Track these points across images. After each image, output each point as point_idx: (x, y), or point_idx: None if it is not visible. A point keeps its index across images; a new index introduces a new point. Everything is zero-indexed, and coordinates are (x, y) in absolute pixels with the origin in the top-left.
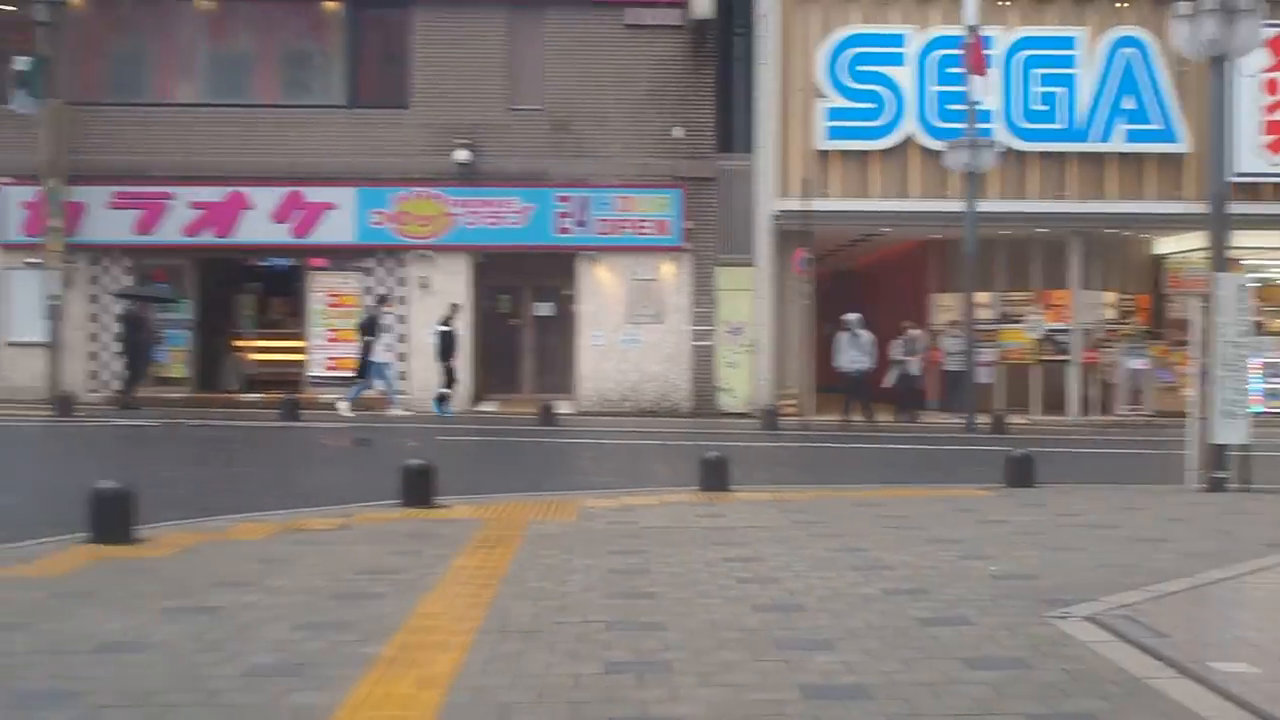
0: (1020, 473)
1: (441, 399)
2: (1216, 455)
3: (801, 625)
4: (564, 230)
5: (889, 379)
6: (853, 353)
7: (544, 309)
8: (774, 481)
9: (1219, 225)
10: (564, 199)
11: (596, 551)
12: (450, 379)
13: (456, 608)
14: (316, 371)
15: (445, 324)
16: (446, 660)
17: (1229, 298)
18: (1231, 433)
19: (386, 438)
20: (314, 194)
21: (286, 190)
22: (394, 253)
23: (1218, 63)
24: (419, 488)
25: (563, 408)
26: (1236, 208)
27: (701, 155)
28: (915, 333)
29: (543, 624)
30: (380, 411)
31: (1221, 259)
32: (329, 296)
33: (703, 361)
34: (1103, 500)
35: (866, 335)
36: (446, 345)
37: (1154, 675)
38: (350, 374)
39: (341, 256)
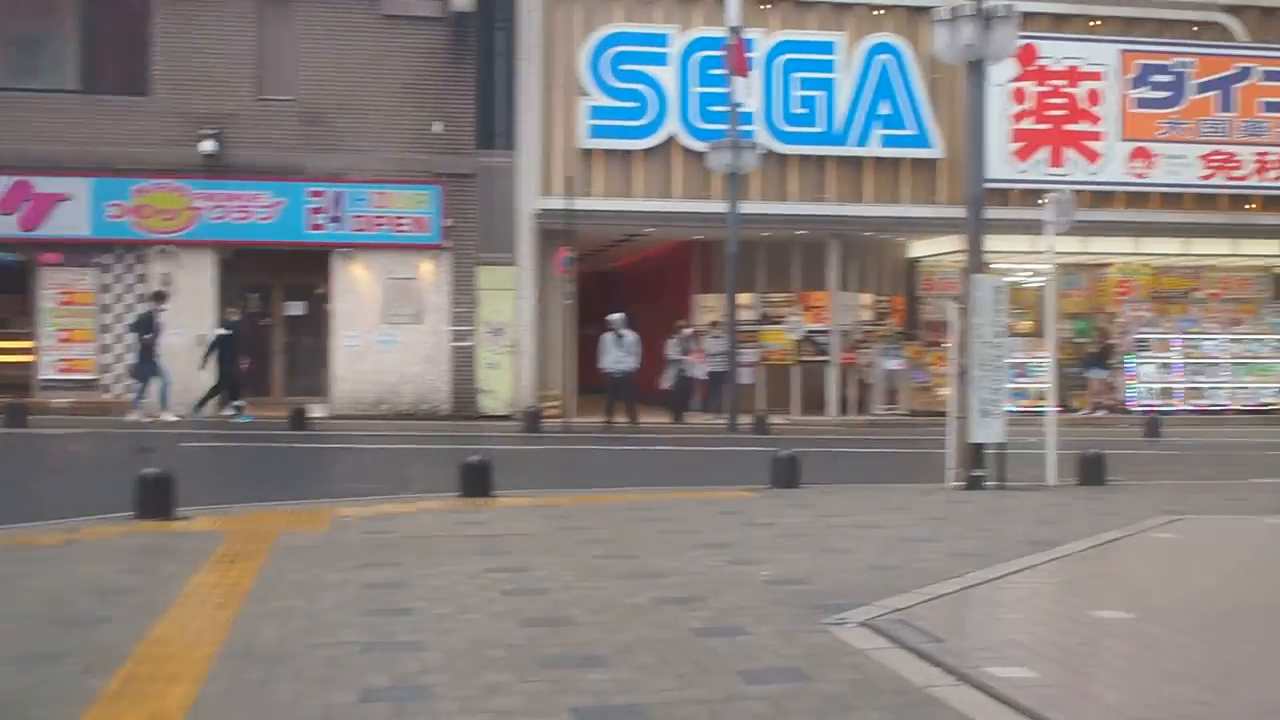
0: (786, 474)
1: (239, 407)
2: (975, 454)
3: (572, 640)
4: (317, 226)
5: (667, 379)
6: (616, 353)
7: (295, 308)
8: (539, 486)
9: (976, 228)
10: (317, 194)
11: (351, 564)
12: (234, 383)
13: (193, 631)
14: (48, 374)
15: (226, 326)
16: (180, 692)
17: (986, 299)
18: (988, 431)
19: (122, 444)
20: (44, 184)
21: (13, 180)
22: (134, 248)
23: (975, 67)
24: (156, 498)
25: (316, 411)
26: (988, 212)
27: (462, 151)
28: (689, 331)
29: (290, 647)
30: (120, 415)
31: (979, 261)
32: (61, 294)
33: (463, 363)
34: (867, 500)
35: (630, 335)
36: (227, 348)
37: (934, 683)
38: (86, 376)
39: (76, 251)
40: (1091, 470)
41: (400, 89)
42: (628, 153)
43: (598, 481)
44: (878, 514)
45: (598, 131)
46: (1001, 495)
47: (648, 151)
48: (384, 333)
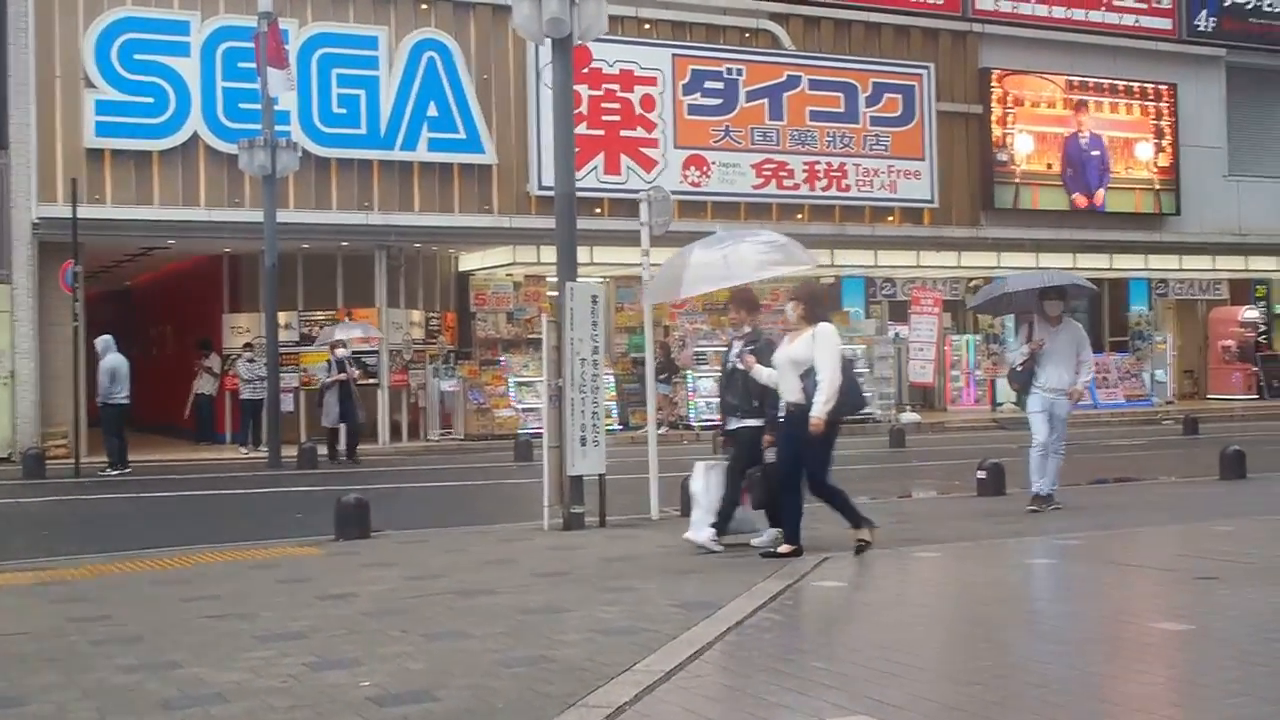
0: (354, 521)
1: None
2: (574, 488)
3: None
4: None
5: (327, 415)
6: (102, 381)
7: None
8: (43, 553)
9: (568, 230)
10: None
11: None
12: None
13: None
14: None
15: None
16: None
17: (583, 311)
18: (589, 462)
19: None
20: None
21: None
22: None
23: (561, 46)
24: None
25: None
26: (541, 222)
27: None
28: (343, 351)
29: None
30: None
31: (572, 267)
32: None
33: None
34: (458, 551)
35: (113, 360)
36: None
37: None
38: None
39: None
40: None
41: None
42: (144, 154)
43: (121, 543)
44: (480, 571)
45: (107, 129)
46: (610, 537)
47: (168, 153)
48: None
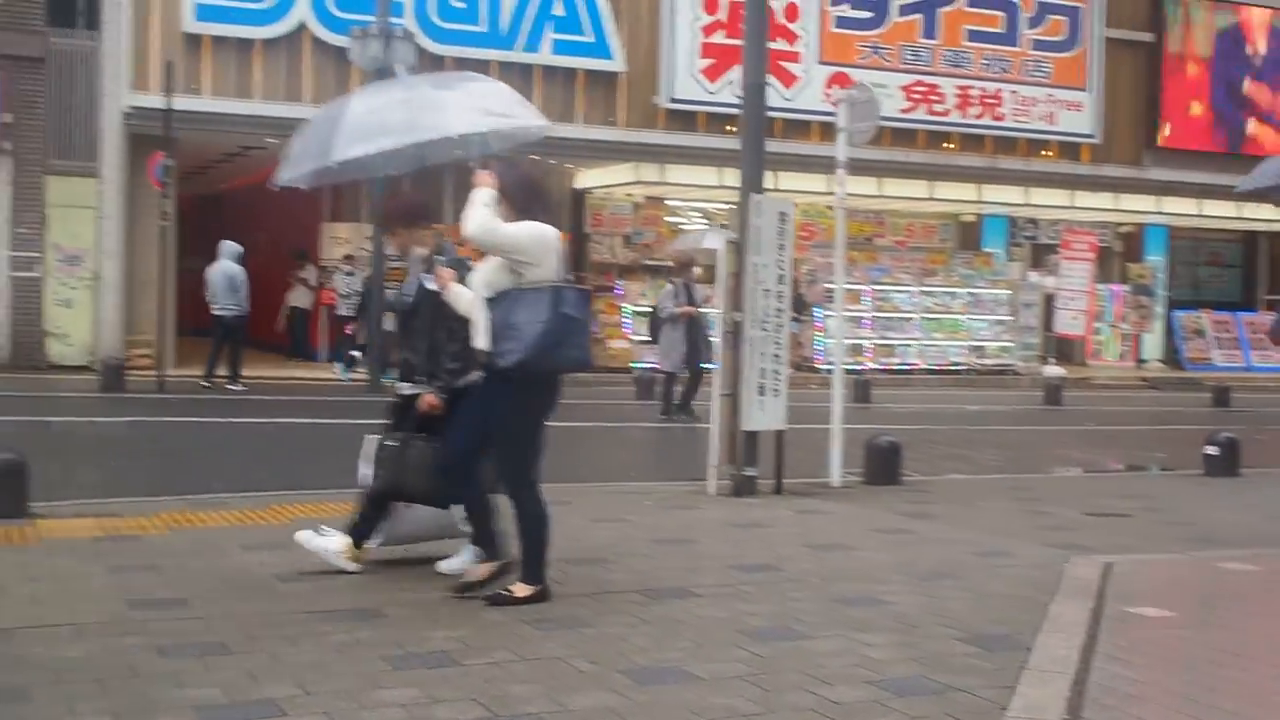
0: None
1: None
2: (747, 446)
3: None
4: None
5: (666, 355)
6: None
7: None
8: (109, 491)
9: (755, 132)
10: None
11: None
12: None
13: None
14: None
15: None
16: None
17: (769, 231)
18: (768, 415)
19: None
20: None
21: None
22: None
23: None
24: None
25: None
26: (669, 138)
27: (29, 28)
28: (680, 280)
29: None
30: None
31: (758, 177)
32: None
33: (26, 298)
34: (618, 520)
35: (234, 270)
36: None
37: None
38: None
39: None
40: (884, 464)
41: None
42: (246, 42)
43: (203, 478)
44: (659, 555)
45: (208, 13)
46: (797, 510)
47: (272, 42)
48: None
